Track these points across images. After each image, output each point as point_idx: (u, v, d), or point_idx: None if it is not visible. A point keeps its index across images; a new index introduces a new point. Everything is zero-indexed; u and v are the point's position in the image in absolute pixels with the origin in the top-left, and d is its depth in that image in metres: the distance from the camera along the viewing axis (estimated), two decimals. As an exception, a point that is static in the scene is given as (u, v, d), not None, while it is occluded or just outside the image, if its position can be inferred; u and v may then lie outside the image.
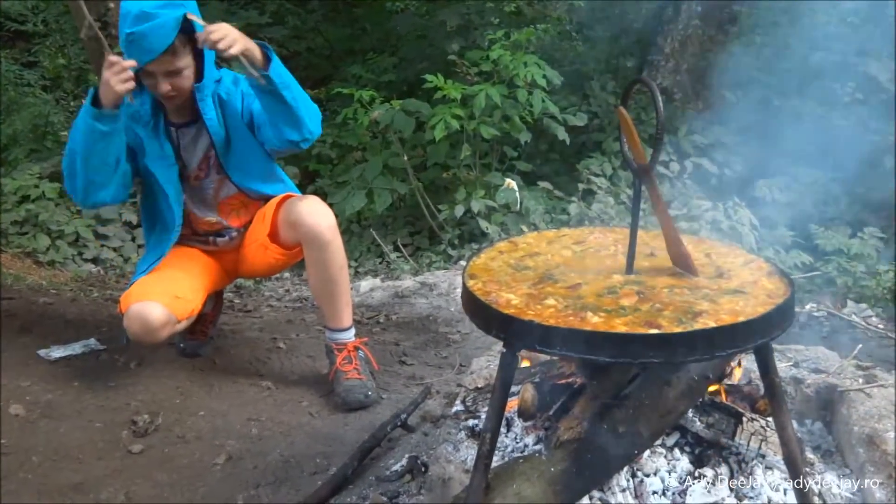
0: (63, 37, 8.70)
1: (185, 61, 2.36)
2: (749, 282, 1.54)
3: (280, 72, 2.32)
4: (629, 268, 1.58)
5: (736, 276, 1.57)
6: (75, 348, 2.83)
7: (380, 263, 5.05)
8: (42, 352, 2.78)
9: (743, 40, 6.62)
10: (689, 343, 1.29)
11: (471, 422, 1.88)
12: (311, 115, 2.42)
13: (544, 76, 4.73)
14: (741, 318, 1.35)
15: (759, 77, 6.79)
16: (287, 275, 4.61)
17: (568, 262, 1.66)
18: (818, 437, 2.05)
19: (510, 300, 1.46)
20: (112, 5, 5.12)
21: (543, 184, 5.05)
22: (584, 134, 6.02)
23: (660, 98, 1.41)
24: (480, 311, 1.44)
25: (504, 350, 1.42)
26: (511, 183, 4.89)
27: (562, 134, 5.02)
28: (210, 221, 2.65)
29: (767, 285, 1.52)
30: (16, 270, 4.11)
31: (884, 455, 1.79)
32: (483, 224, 4.78)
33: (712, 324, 1.33)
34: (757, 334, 1.34)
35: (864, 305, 3.84)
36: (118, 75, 2.22)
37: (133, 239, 4.99)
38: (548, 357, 1.84)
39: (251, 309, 3.80)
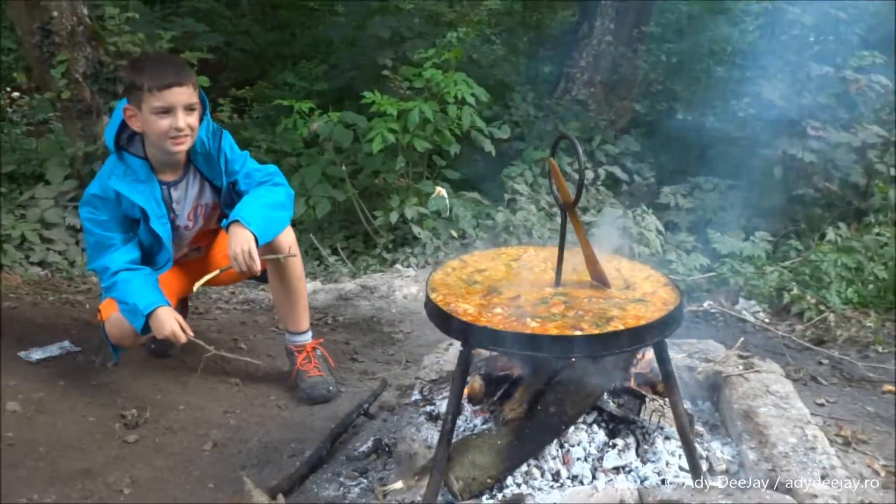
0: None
1: (196, 102, 2.59)
2: (649, 292, 1.97)
3: (260, 227, 2.58)
4: (557, 282, 1.99)
5: (639, 288, 2.00)
6: (52, 350, 3.08)
7: (318, 266, 5.35)
8: (22, 353, 3.02)
9: (651, 58, 7.19)
10: (605, 342, 1.71)
11: (428, 408, 2.27)
12: (283, 218, 2.74)
13: (473, 94, 5.13)
14: (643, 322, 1.78)
15: (665, 91, 7.40)
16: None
17: (508, 277, 2.07)
18: (707, 414, 2.51)
19: (466, 309, 1.85)
20: (55, 14, 5.29)
21: (471, 194, 5.46)
22: (507, 143, 6.45)
23: (581, 151, 1.83)
24: (443, 319, 1.83)
25: (462, 349, 1.81)
26: (441, 191, 5.28)
27: (488, 146, 5.44)
28: (183, 253, 2.93)
29: (663, 295, 1.96)
30: (-33, 276, 4.25)
31: (756, 426, 2.26)
32: (416, 229, 5.15)
33: (621, 327, 1.76)
34: (655, 334, 1.77)
35: (753, 302, 4.40)
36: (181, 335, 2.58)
37: (77, 242, 5.15)
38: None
39: (203, 311, 4.06)
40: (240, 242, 2.51)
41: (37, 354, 3.02)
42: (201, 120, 2.66)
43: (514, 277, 2.07)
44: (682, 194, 6.08)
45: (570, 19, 8.75)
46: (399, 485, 1.91)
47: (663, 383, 1.96)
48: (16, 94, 8.28)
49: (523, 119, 6.94)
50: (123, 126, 2.63)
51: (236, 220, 2.55)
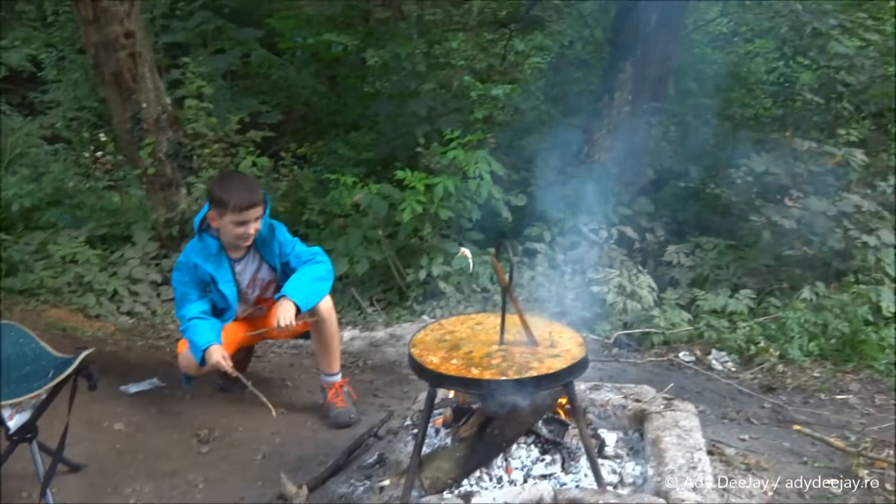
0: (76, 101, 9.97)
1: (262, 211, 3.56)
2: (566, 350, 2.78)
3: (302, 298, 3.51)
4: (501, 340, 2.82)
5: (561, 346, 2.81)
6: (145, 385, 4.03)
7: (358, 315, 6.25)
8: (122, 387, 3.98)
9: (660, 130, 7.99)
10: (518, 385, 2.53)
11: (415, 430, 3.10)
12: (322, 289, 3.64)
13: (490, 171, 6.02)
14: (551, 371, 2.59)
15: (676, 157, 8.17)
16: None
17: (469, 337, 2.91)
18: (635, 442, 3.27)
19: (432, 360, 2.70)
20: (144, 105, 6.39)
21: (490, 250, 6.31)
22: (531, 204, 7.26)
23: (511, 254, 2.67)
24: (417, 366, 2.68)
25: (429, 387, 2.66)
26: (465, 252, 6.11)
27: (505, 213, 6.30)
28: (249, 312, 3.85)
29: (575, 352, 2.76)
30: (74, 323, 5.28)
31: (659, 450, 3.02)
32: (442, 285, 6.01)
33: (534, 374, 2.57)
34: (555, 380, 2.57)
35: (724, 353, 5.11)
36: (225, 366, 3.50)
37: (158, 295, 6.17)
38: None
39: (260, 354, 4.98)
40: (283, 312, 3.43)
41: (134, 388, 3.98)
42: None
43: (473, 337, 2.90)
44: (685, 253, 6.78)
45: (592, 88, 9.57)
46: (387, 482, 2.75)
47: (572, 415, 2.76)
48: (99, 153, 9.52)
49: (545, 183, 7.76)
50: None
51: (283, 295, 3.47)
